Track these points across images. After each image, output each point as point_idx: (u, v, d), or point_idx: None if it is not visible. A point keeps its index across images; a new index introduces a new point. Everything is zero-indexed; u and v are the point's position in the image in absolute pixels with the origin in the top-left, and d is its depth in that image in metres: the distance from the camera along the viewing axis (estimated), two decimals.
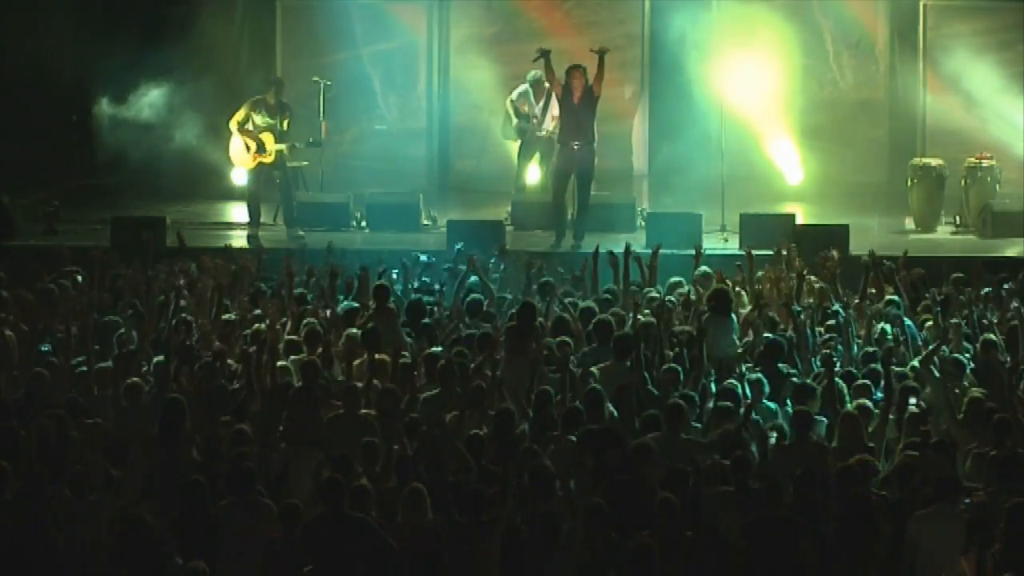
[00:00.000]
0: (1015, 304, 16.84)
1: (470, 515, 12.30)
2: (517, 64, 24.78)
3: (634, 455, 12.98)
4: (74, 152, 25.25)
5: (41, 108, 24.96)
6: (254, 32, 25.59)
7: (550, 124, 23.18)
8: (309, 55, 25.19)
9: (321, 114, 23.79)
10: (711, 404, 14.45)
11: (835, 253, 18.19)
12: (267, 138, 22.53)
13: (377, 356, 15.06)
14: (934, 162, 23.24)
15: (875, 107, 24.23)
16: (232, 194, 23.96)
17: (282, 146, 22.53)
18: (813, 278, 17.84)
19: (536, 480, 12.61)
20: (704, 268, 18.27)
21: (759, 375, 14.87)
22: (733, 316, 16.54)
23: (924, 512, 12.40)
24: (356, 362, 15.16)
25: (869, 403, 14.12)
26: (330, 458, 13.11)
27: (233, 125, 22.66)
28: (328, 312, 16.64)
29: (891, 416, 14.00)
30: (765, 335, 15.80)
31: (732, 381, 14.78)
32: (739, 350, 15.90)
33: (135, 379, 14.39)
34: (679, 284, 17.84)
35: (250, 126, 22.56)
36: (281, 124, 22.63)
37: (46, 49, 24.71)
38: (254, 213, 22.85)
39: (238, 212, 23.56)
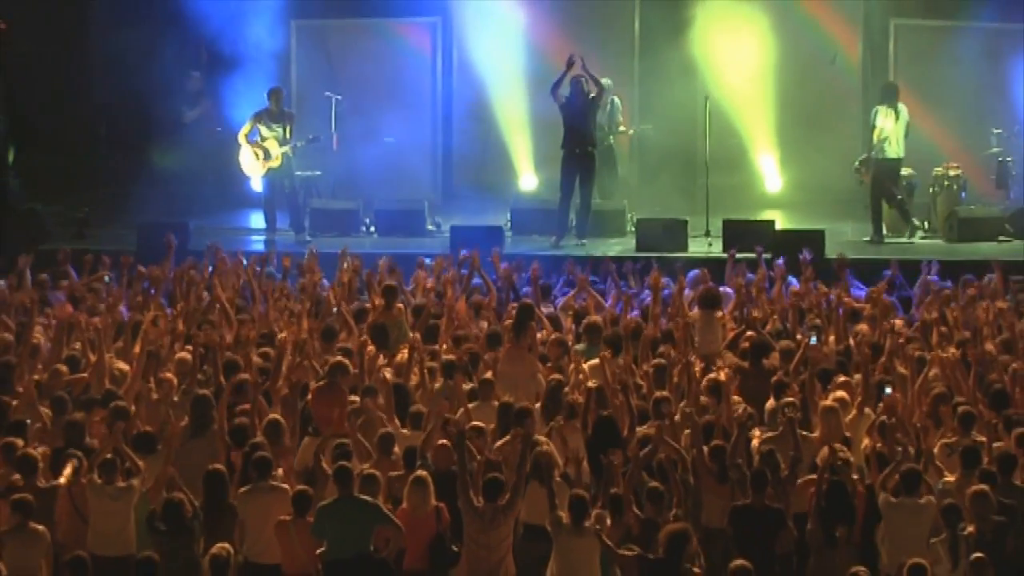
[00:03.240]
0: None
1: (489, 500, 12.34)
2: (516, 79, 24.88)
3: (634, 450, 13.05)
4: (103, 163, 25.26)
5: (73, 122, 24.97)
6: (272, 50, 25.58)
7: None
8: (322, 72, 25.22)
9: (333, 126, 23.85)
10: None
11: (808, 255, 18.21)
12: (272, 145, 22.65)
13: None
14: (904, 171, 23.25)
15: (850, 119, 24.27)
16: (250, 202, 24.00)
17: (286, 148, 22.62)
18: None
19: (539, 466, 12.67)
20: (694, 271, 18.31)
21: None
22: (719, 314, 16.57)
23: (892, 502, 12.44)
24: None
25: (847, 396, 14.15)
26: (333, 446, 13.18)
27: (241, 138, 22.79)
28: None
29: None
30: (749, 333, 15.81)
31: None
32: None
33: (167, 374, 14.42)
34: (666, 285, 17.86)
35: (257, 137, 22.68)
36: (284, 131, 22.71)
37: (77, 69, 24.73)
38: (270, 219, 22.95)
39: (256, 218, 23.63)
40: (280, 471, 12.88)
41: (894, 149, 22.51)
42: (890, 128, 22.45)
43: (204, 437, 13.42)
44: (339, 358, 14.70)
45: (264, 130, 22.71)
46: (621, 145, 24.32)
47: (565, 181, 22.18)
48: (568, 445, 13.29)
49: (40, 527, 12.05)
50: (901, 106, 22.61)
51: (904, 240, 22.44)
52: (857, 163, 22.88)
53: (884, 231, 22.68)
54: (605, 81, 23.20)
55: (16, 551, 11.72)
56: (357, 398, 14.22)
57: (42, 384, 14.38)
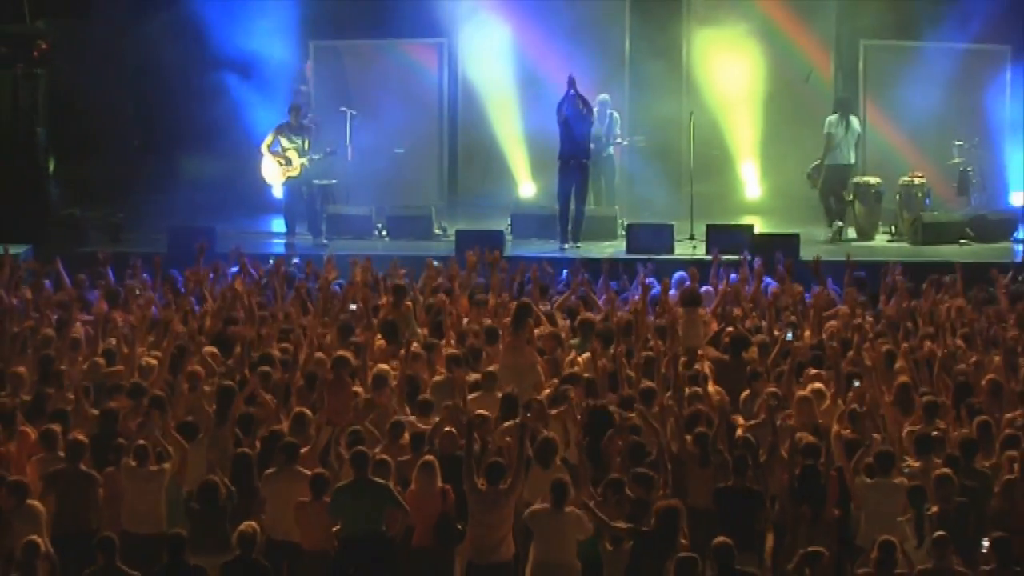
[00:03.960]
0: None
1: (491, 483, 12.35)
2: (515, 95, 24.88)
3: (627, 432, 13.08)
4: (136, 171, 25.29)
5: (108, 135, 24.99)
6: (292, 68, 25.55)
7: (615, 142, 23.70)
8: (338, 89, 25.20)
9: (348, 139, 23.84)
10: None
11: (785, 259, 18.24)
12: (292, 155, 22.74)
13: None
14: (873, 180, 23.32)
15: (823, 132, 24.22)
16: (271, 208, 24.01)
17: (304, 159, 22.68)
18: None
19: (541, 451, 12.70)
20: (680, 272, 18.31)
21: None
22: (701, 311, 16.57)
23: (868, 482, 12.46)
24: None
25: (823, 387, 14.16)
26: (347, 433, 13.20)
27: (264, 148, 22.86)
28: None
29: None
30: (729, 329, 15.83)
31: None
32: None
33: (196, 367, 14.43)
34: (651, 286, 17.88)
35: (279, 148, 22.74)
36: (304, 143, 22.77)
37: (112, 85, 24.75)
38: (290, 223, 22.96)
39: (277, 223, 23.64)
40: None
41: (845, 156, 22.84)
42: (840, 136, 22.71)
43: (229, 425, 13.45)
44: (341, 353, 14.71)
45: (285, 142, 22.80)
46: (614, 155, 24.30)
47: (562, 190, 22.19)
48: (569, 431, 13.34)
49: (37, 504, 12.21)
50: (852, 118, 22.98)
51: (862, 242, 22.63)
52: (809, 169, 23.02)
53: (845, 230, 22.80)
54: (603, 96, 23.32)
55: (21, 528, 11.86)
56: (361, 389, 14.27)
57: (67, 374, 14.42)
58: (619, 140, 24.01)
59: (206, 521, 12.22)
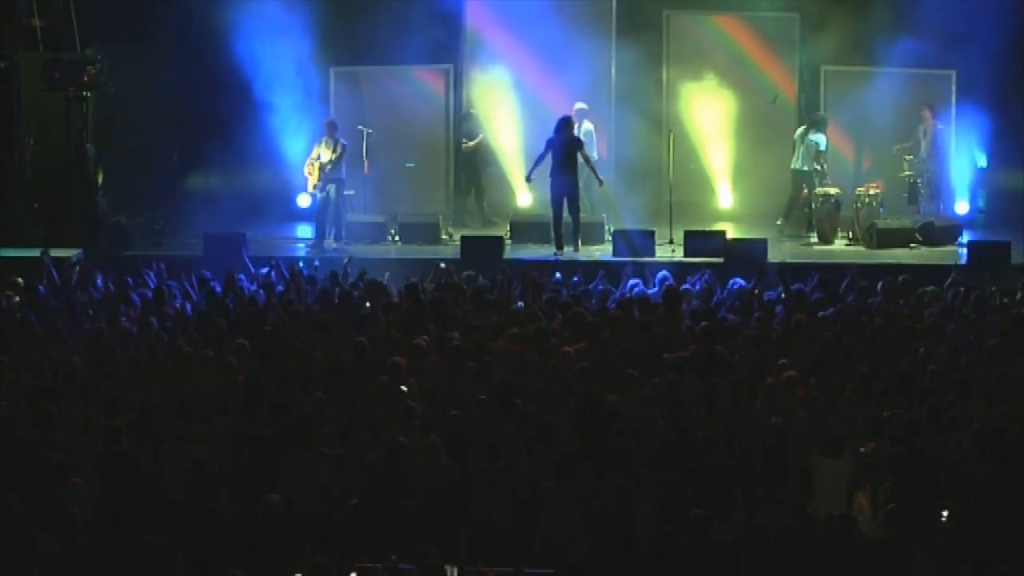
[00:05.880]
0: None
1: (490, 461, 12.36)
2: (513, 115, 24.85)
3: (606, 412, 13.10)
4: (176, 183, 25.28)
5: (150, 150, 24.98)
6: (316, 92, 25.50)
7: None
8: (356, 110, 25.17)
9: (364, 154, 23.82)
10: None
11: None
12: (322, 164, 22.74)
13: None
14: (833, 190, 23.31)
15: (789, 149, 24.22)
16: (295, 216, 23.98)
17: (328, 167, 22.61)
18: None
19: (545, 432, 12.73)
20: (663, 272, 18.31)
21: None
22: (683, 307, 16.55)
23: (820, 462, 12.48)
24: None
25: (793, 375, 14.14)
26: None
27: (307, 163, 22.87)
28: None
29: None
30: (703, 323, 15.82)
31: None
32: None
33: (230, 358, 14.42)
34: (637, 284, 17.86)
35: (318, 162, 22.73)
36: (333, 153, 22.73)
37: (155, 109, 24.76)
38: (320, 230, 22.83)
39: (301, 229, 23.62)
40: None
41: (795, 162, 23.33)
42: (796, 145, 23.34)
43: (256, 409, 13.43)
44: (359, 339, 14.70)
45: (322, 153, 22.83)
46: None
47: (555, 202, 22.09)
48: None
49: (79, 480, 12.31)
50: (812, 134, 23.15)
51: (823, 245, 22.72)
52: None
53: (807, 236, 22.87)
54: (580, 105, 23.28)
55: (64, 502, 11.94)
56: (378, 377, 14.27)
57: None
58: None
59: (194, 494, 12.19)
